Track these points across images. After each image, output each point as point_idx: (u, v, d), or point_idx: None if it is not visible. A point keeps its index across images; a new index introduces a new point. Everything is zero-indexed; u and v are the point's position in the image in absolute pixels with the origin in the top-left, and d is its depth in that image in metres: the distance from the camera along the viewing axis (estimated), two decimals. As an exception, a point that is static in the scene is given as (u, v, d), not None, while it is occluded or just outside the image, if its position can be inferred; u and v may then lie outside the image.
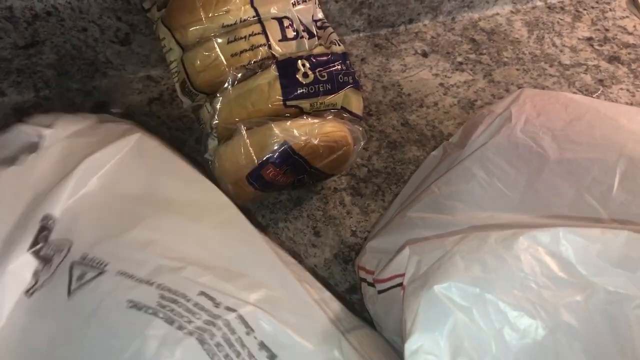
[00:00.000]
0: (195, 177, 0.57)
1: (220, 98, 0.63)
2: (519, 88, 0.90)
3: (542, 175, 0.52)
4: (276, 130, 0.61)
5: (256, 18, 0.65)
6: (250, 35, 0.64)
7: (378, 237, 0.57)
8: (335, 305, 0.48)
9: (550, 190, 0.51)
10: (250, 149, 0.61)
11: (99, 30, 0.82)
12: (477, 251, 0.39)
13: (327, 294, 0.50)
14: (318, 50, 0.65)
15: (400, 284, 0.47)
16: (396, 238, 0.55)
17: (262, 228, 0.73)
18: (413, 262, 0.43)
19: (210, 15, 0.63)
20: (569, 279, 0.37)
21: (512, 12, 1.02)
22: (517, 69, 0.93)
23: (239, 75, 0.63)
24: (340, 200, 0.77)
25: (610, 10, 1.03)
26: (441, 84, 0.90)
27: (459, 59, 0.94)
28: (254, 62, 0.64)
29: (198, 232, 0.50)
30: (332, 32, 0.69)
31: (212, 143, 0.65)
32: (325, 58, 0.65)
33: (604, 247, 0.37)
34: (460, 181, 0.55)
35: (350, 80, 0.66)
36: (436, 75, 0.92)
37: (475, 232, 0.41)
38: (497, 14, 1.02)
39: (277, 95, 0.62)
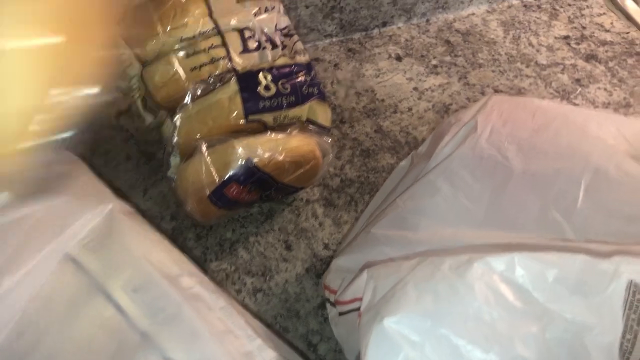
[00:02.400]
0: None
1: (181, 114, 0.61)
2: (495, 91, 0.88)
3: (507, 188, 0.50)
4: (238, 147, 0.59)
5: (215, 30, 0.63)
6: (209, 48, 0.62)
7: (343, 255, 0.55)
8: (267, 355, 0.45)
9: (515, 204, 0.49)
10: (212, 167, 0.60)
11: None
12: (430, 279, 0.37)
13: (256, 343, 0.46)
14: (281, 61, 0.63)
15: (359, 309, 0.45)
16: (360, 256, 0.53)
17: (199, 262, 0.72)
18: (370, 287, 0.41)
19: (168, 29, 0.61)
20: (525, 307, 0.35)
21: (487, 11, 1.01)
22: (493, 71, 0.91)
23: (199, 89, 0.61)
24: (312, 212, 0.75)
25: (587, 7, 1.01)
26: (415, 88, 0.89)
27: (434, 61, 0.93)
28: (214, 75, 0.62)
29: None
30: (297, 41, 0.67)
31: (174, 161, 0.63)
32: (288, 69, 0.63)
33: (560, 272, 0.36)
34: (425, 195, 0.53)
35: (316, 92, 0.64)
36: (410, 79, 0.90)
37: (431, 257, 0.39)
38: (473, 14, 1.00)
39: (238, 110, 0.61)
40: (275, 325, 0.65)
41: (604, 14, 1.01)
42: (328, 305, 0.56)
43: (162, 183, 0.77)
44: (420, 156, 0.62)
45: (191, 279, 0.52)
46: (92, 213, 0.52)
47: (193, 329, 0.48)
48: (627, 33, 0.97)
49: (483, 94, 0.88)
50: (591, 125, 0.56)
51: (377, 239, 0.53)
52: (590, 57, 0.93)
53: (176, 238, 0.72)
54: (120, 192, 0.76)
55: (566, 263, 0.36)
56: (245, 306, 0.66)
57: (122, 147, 0.81)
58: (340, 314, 0.52)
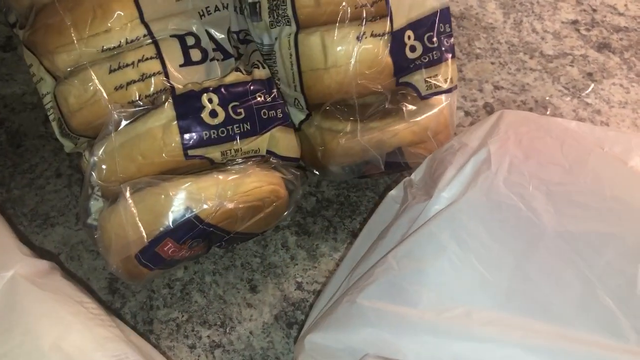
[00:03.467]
0: None
1: (101, 147, 0.47)
2: (495, 87, 0.76)
3: (536, 255, 0.38)
4: (173, 195, 0.46)
5: (148, 37, 0.49)
6: (139, 61, 0.48)
7: (320, 329, 0.43)
8: None
9: (548, 280, 0.37)
10: (138, 220, 0.47)
11: (-29, 34, 0.65)
12: None
13: None
14: (232, 77, 0.50)
15: None
16: (343, 335, 0.41)
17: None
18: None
19: (85, 35, 0.48)
20: None
21: (484, -10, 0.87)
22: (492, 63, 0.79)
23: (125, 115, 0.47)
24: (282, 241, 0.63)
25: (598, -15, 0.89)
26: (403, 85, 0.76)
27: (424, 51, 0.79)
28: (146, 96, 0.48)
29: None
30: (255, 50, 0.54)
31: (95, 205, 0.50)
32: (242, 88, 0.49)
33: None
34: (426, 255, 0.41)
35: (278, 115, 0.51)
36: (397, 73, 0.77)
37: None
38: (468, -7, 0.87)
39: (175, 143, 0.47)
40: (238, 392, 0.53)
41: (616, -6, 0.88)
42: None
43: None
44: (416, 189, 0.50)
45: (123, 366, 0.40)
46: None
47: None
48: (643, 17, 0.85)
49: (481, 91, 0.76)
50: (634, 158, 0.44)
51: (365, 314, 0.40)
52: (602, 47, 0.81)
53: (116, 279, 0.59)
54: (48, 221, 0.63)
55: None
56: (200, 366, 0.54)
57: (51, 160, 0.67)
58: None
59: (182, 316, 0.57)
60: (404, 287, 0.40)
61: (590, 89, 0.76)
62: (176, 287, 0.59)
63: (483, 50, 0.80)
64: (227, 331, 0.57)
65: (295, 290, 0.59)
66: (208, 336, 0.56)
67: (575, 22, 0.84)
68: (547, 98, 0.75)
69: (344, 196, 0.66)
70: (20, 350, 0.38)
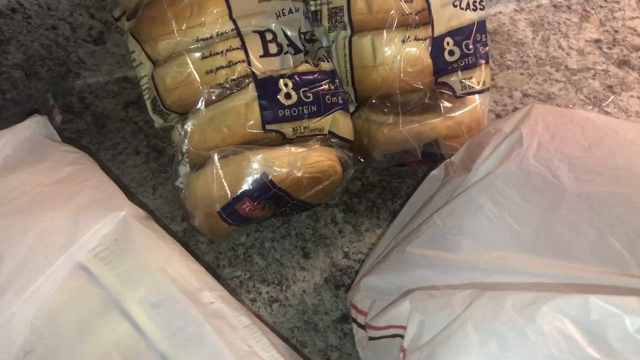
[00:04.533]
0: None
1: (193, 120, 0.56)
2: (524, 95, 0.84)
3: (559, 211, 0.46)
4: (254, 161, 0.55)
5: (235, 31, 0.58)
6: (227, 51, 0.57)
7: (373, 274, 0.51)
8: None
9: (568, 229, 0.45)
10: (224, 181, 0.55)
11: (70, 28, 0.75)
12: (492, 320, 0.33)
13: None
14: (303, 67, 0.59)
15: (396, 335, 0.41)
16: (394, 277, 0.49)
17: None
18: (415, 320, 0.37)
19: (183, 27, 0.57)
20: (603, 358, 0.32)
21: (515, 10, 0.96)
22: (521, 73, 0.87)
23: (214, 94, 0.56)
24: (331, 217, 0.71)
25: (620, 9, 0.97)
26: (440, 89, 0.84)
27: (460, 61, 0.88)
28: (231, 80, 0.57)
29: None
30: (320, 47, 0.63)
31: (183, 170, 0.59)
32: (311, 77, 0.58)
33: (643, 321, 0.32)
34: (466, 213, 0.49)
35: (340, 102, 0.60)
36: (435, 79, 0.86)
37: (487, 291, 0.35)
38: (500, 12, 0.96)
39: (255, 119, 0.56)
40: (292, 339, 0.61)
41: (637, 17, 0.96)
42: (354, 326, 0.52)
43: (173, 180, 0.73)
44: (456, 167, 0.58)
45: (211, 293, 0.48)
46: (104, 220, 0.48)
47: (215, 351, 0.44)
48: (661, 39, 0.93)
49: (511, 97, 0.84)
50: (644, 143, 0.52)
51: (413, 259, 0.49)
52: (622, 63, 0.89)
53: (187, 241, 0.67)
54: (128, 190, 0.72)
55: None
56: (260, 317, 0.62)
57: (131, 140, 0.76)
58: (371, 338, 0.48)
59: (245, 275, 0.65)
60: (447, 238, 0.49)
61: (610, 100, 0.84)
62: (239, 250, 0.67)
63: (513, 62, 0.89)
64: (284, 289, 0.65)
65: (342, 258, 0.68)
66: (267, 292, 0.64)
67: (598, 40, 0.93)
68: (570, 106, 0.83)
69: (386, 181, 0.74)
70: (135, 270, 0.46)
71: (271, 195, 0.57)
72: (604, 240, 0.43)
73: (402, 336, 0.39)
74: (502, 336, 0.33)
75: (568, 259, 0.43)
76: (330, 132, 0.61)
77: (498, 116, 0.82)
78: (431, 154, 0.67)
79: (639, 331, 0.32)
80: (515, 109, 0.83)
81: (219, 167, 0.55)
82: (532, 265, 0.43)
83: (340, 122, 0.62)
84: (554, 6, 0.97)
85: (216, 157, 0.56)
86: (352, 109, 0.68)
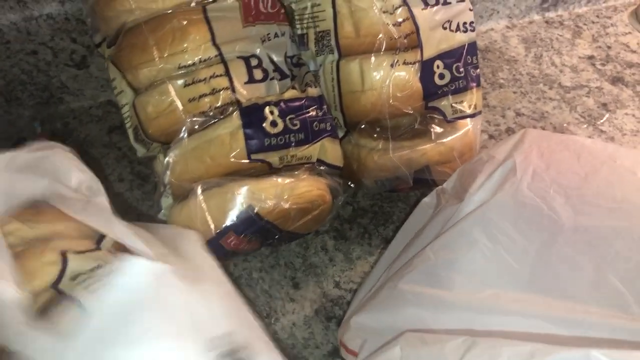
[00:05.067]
0: None
1: (175, 150, 0.54)
2: (516, 113, 0.83)
3: (556, 246, 0.44)
4: (238, 193, 0.53)
5: (219, 57, 0.56)
6: (210, 77, 0.55)
7: (364, 311, 0.49)
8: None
9: (566, 266, 0.43)
10: (208, 215, 0.53)
11: (51, 53, 0.73)
12: (487, 377, 0.31)
13: None
14: (289, 94, 0.57)
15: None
16: (385, 315, 0.47)
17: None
18: (407, 371, 0.35)
19: (165, 54, 0.55)
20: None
21: (507, 27, 0.95)
22: (514, 92, 0.86)
23: (197, 123, 0.54)
24: (322, 244, 0.69)
25: (612, 25, 0.96)
26: (432, 109, 0.83)
27: (451, 80, 0.87)
28: (215, 108, 0.55)
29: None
30: (308, 72, 0.61)
31: (166, 201, 0.57)
32: (297, 103, 0.56)
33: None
34: (460, 247, 0.47)
35: (328, 128, 0.58)
36: (427, 99, 0.84)
37: (481, 340, 0.33)
38: (492, 29, 0.94)
39: (240, 148, 0.54)
40: (282, 375, 0.59)
41: (629, 33, 0.95)
42: (345, 365, 0.50)
43: (158, 208, 0.71)
44: (448, 195, 0.56)
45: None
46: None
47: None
48: (654, 55, 0.92)
49: (504, 117, 0.83)
50: (642, 170, 0.51)
51: (405, 296, 0.47)
52: (616, 80, 0.88)
53: (173, 272, 0.65)
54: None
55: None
56: (248, 352, 0.60)
57: (114, 166, 0.74)
58: (362, 382, 0.46)
59: (232, 307, 0.63)
60: (440, 274, 0.47)
61: (605, 118, 0.83)
62: (227, 281, 0.65)
63: (506, 80, 0.87)
64: (272, 322, 0.63)
65: (333, 288, 0.65)
66: (255, 325, 0.62)
67: (591, 57, 0.91)
68: (565, 125, 0.82)
69: (378, 206, 0.73)
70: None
71: (257, 229, 0.55)
72: (603, 278, 0.41)
73: (392, 386, 0.38)
74: (497, 395, 0.31)
75: (566, 298, 0.41)
76: (318, 160, 0.59)
77: (491, 137, 0.80)
78: (423, 180, 0.66)
79: (644, 389, 0.30)
80: (508, 129, 0.81)
81: (202, 201, 0.53)
82: (528, 306, 0.41)
83: (329, 149, 0.60)
84: (546, 22, 0.96)
85: (199, 190, 0.54)
86: (341, 134, 0.66)
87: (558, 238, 0.45)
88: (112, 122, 0.78)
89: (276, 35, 0.61)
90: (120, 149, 0.76)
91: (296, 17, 0.63)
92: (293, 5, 0.63)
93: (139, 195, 0.72)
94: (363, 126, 0.64)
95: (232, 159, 0.55)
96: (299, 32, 0.63)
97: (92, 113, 0.79)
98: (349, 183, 0.70)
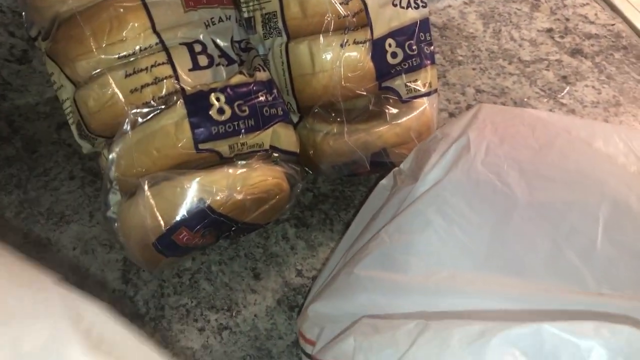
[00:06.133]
0: None
1: (119, 144, 0.52)
2: (477, 91, 0.81)
3: (511, 223, 0.43)
4: (188, 187, 0.51)
5: (160, 45, 0.54)
6: (152, 66, 0.53)
7: (321, 299, 0.48)
8: None
9: (522, 242, 0.42)
10: (156, 211, 0.51)
11: (-11, 48, 0.70)
12: (437, 358, 0.30)
13: None
14: (236, 79, 0.55)
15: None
16: (342, 302, 0.46)
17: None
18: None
19: (103, 45, 0.52)
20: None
21: (465, 3, 0.93)
22: (474, 69, 0.85)
23: (141, 115, 0.52)
24: (282, 233, 0.67)
25: (570, -4, 0.95)
26: (391, 90, 0.81)
27: (410, 59, 0.85)
28: (159, 98, 0.53)
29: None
30: (256, 56, 0.59)
31: (114, 198, 0.55)
32: (245, 89, 0.54)
33: (601, 349, 0.29)
34: (414, 229, 0.46)
35: (279, 113, 0.56)
36: (385, 79, 0.82)
37: (433, 324, 0.32)
38: (449, 6, 0.93)
39: (187, 138, 0.52)
40: (245, 369, 0.58)
41: (587, 4, 0.94)
42: (303, 356, 0.49)
43: (111, 205, 0.68)
44: (404, 176, 0.55)
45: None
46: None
47: None
48: (613, 25, 0.91)
49: (464, 94, 0.81)
50: (597, 141, 0.50)
51: (361, 282, 0.45)
52: (575, 52, 0.87)
53: (128, 270, 0.63)
54: (63, 218, 0.67)
55: (607, 337, 0.29)
56: (209, 347, 0.58)
57: (65, 164, 0.71)
58: (319, 372, 0.44)
59: (192, 302, 0.61)
60: (396, 257, 0.45)
61: (565, 91, 0.82)
62: (185, 277, 0.63)
63: (465, 57, 0.86)
64: (234, 315, 0.61)
65: (295, 277, 0.64)
66: (216, 319, 0.60)
67: (550, 30, 0.90)
68: (525, 100, 0.81)
69: (339, 191, 0.71)
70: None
71: (211, 222, 0.53)
72: (558, 252, 0.40)
73: (346, 377, 0.36)
74: (446, 380, 0.29)
75: (522, 275, 0.40)
76: (272, 147, 0.57)
77: (451, 115, 0.79)
78: (381, 163, 0.64)
79: (596, 359, 0.29)
80: (469, 106, 0.80)
81: (149, 197, 0.51)
82: (483, 286, 0.40)
83: (282, 135, 0.58)
84: (504, -4, 0.95)
85: (146, 186, 0.51)
86: (295, 119, 0.64)
87: (513, 214, 0.43)
88: (60, 118, 0.75)
89: (221, 20, 0.58)
90: (71, 146, 0.73)
91: (242, 0, 0.61)
92: None
93: (90, 193, 0.69)
94: (317, 110, 0.63)
95: (179, 150, 0.53)
96: (246, 15, 0.61)
97: (38, 110, 0.76)
98: (307, 169, 0.69)
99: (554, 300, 0.36)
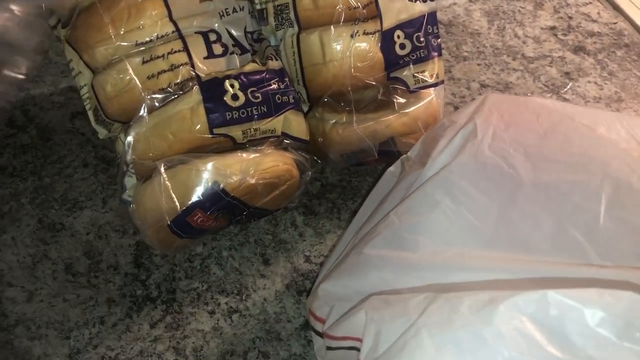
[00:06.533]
0: None
1: (135, 128, 0.54)
2: (482, 85, 0.83)
3: (517, 203, 0.45)
4: (203, 170, 0.52)
5: (176, 33, 0.55)
6: (169, 54, 0.54)
7: (331, 278, 0.49)
8: None
9: (527, 221, 0.44)
10: (172, 193, 0.53)
11: (6, 38, 0.72)
12: (448, 325, 0.31)
13: None
14: (250, 67, 0.56)
15: (353, 348, 0.39)
16: (352, 281, 0.47)
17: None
18: (371, 332, 0.35)
19: (121, 32, 0.54)
20: (566, 356, 0.30)
21: (470, 1, 0.95)
22: (478, 64, 0.86)
23: (157, 100, 0.54)
24: (291, 221, 0.69)
25: (573, -5, 0.97)
26: (397, 84, 0.83)
27: (416, 54, 0.87)
28: (175, 84, 0.54)
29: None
30: (268, 45, 0.60)
31: (130, 181, 0.56)
32: (258, 76, 0.56)
33: (604, 313, 0.30)
34: (423, 210, 0.48)
35: (291, 100, 0.58)
36: (392, 74, 0.84)
37: (443, 294, 0.33)
38: (455, 3, 0.94)
39: (202, 123, 0.54)
40: (254, 350, 0.59)
41: (590, 3, 0.96)
42: (313, 334, 0.50)
43: (124, 192, 0.70)
44: (412, 162, 0.56)
45: None
46: None
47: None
48: (615, 23, 0.93)
49: (469, 89, 0.83)
50: (600, 128, 0.51)
51: (371, 261, 0.47)
52: (578, 49, 0.89)
53: (141, 254, 0.65)
54: (77, 204, 0.69)
55: (609, 302, 0.30)
56: (220, 329, 0.60)
57: (78, 152, 0.73)
58: (329, 348, 0.46)
59: (202, 286, 0.63)
60: (404, 236, 0.47)
61: (568, 87, 0.83)
62: (196, 261, 0.65)
63: (470, 53, 0.88)
64: (243, 298, 0.62)
65: (304, 262, 0.65)
66: (226, 303, 0.62)
67: (553, 28, 0.92)
68: (529, 94, 0.82)
69: (346, 181, 0.72)
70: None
71: (224, 205, 0.55)
72: (563, 230, 0.42)
73: (358, 349, 0.37)
74: (458, 341, 0.31)
75: (528, 252, 0.41)
76: (283, 133, 0.59)
77: (456, 109, 0.80)
78: (388, 152, 0.66)
79: (599, 324, 0.30)
80: (473, 101, 0.81)
81: (165, 179, 0.53)
82: (491, 261, 0.41)
83: (293, 122, 0.59)
84: (508, -5, 0.97)
85: (162, 168, 0.53)
86: (305, 109, 0.66)
87: (518, 195, 0.45)
88: (74, 108, 0.77)
89: (235, 10, 0.60)
90: (84, 134, 0.75)
91: None
92: None
93: (103, 180, 0.71)
94: (326, 100, 0.64)
95: (195, 134, 0.54)
96: (258, 7, 0.63)
97: (53, 100, 0.78)
98: (316, 158, 0.70)
99: (559, 272, 0.37)
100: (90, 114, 0.60)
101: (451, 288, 0.36)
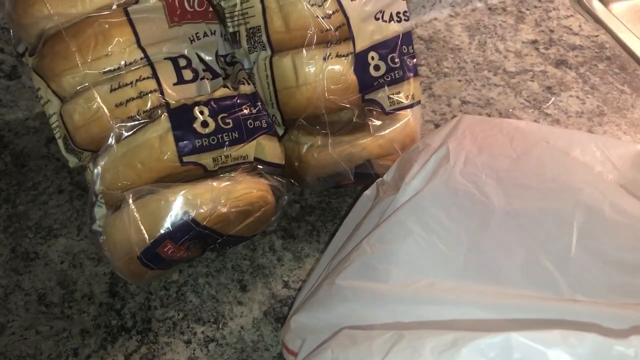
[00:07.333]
0: None
1: (104, 158, 0.53)
2: (462, 102, 0.82)
3: (488, 231, 0.44)
4: (172, 200, 0.51)
5: (145, 60, 0.54)
6: (137, 81, 0.53)
7: (304, 310, 0.48)
8: None
9: (498, 250, 0.43)
10: (141, 224, 0.52)
11: (-22, 65, 0.71)
12: (409, 368, 0.30)
13: None
14: (220, 92, 0.55)
15: (323, 387, 0.38)
16: (323, 313, 0.46)
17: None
18: (335, 371, 0.34)
19: (88, 60, 0.53)
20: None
21: (450, 15, 0.95)
22: (459, 80, 0.85)
23: (125, 128, 0.53)
24: (269, 245, 0.68)
25: (554, 9, 0.96)
26: (378, 102, 0.82)
27: (396, 71, 0.86)
28: (144, 112, 0.54)
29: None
30: (241, 69, 0.60)
31: (99, 212, 0.55)
32: (229, 102, 0.55)
33: (567, 356, 0.29)
34: (395, 238, 0.47)
35: (263, 125, 0.57)
36: (372, 92, 0.83)
37: (408, 333, 0.32)
38: (435, 19, 0.94)
39: (171, 151, 0.52)
40: (231, 381, 0.58)
41: (571, 16, 0.96)
42: (288, 366, 0.49)
43: (99, 219, 0.69)
44: (387, 186, 0.55)
45: None
46: None
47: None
48: (596, 36, 0.92)
49: (449, 105, 0.82)
50: (575, 150, 0.50)
51: (342, 292, 0.46)
52: (560, 63, 0.88)
53: (116, 282, 0.63)
54: (51, 232, 0.68)
55: (573, 344, 0.30)
56: (196, 359, 0.59)
57: (54, 178, 0.72)
58: (301, 382, 0.45)
59: (178, 315, 0.62)
60: (376, 266, 0.46)
61: (550, 102, 0.83)
62: (172, 289, 0.64)
63: (450, 69, 0.87)
64: (220, 327, 0.61)
65: (282, 288, 0.64)
66: (202, 332, 0.61)
67: (534, 41, 0.91)
68: (511, 110, 0.82)
69: (326, 202, 0.72)
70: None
71: (195, 235, 0.54)
72: (534, 259, 0.41)
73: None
74: (418, 387, 0.30)
75: (498, 283, 0.40)
76: (256, 159, 0.58)
77: (437, 126, 0.80)
78: (365, 175, 0.65)
79: (563, 369, 0.29)
80: (454, 118, 0.81)
81: (134, 210, 0.52)
82: (460, 293, 0.40)
83: (267, 147, 0.58)
84: (489, 9, 0.96)
85: (131, 199, 0.52)
86: (281, 132, 0.65)
87: (490, 223, 0.44)
88: (49, 133, 0.76)
89: (205, 35, 0.59)
90: (59, 160, 0.74)
91: (227, 15, 0.62)
92: (222, 3, 0.62)
93: (79, 206, 0.70)
94: (301, 123, 0.63)
95: (164, 163, 0.53)
96: (231, 29, 0.62)
97: (28, 125, 0.77)
98: (293, 182, 0.69)
99: (527, 309, 0.37)
100: (60, 142, 0.59)
101: (418, 325, 0.35)
